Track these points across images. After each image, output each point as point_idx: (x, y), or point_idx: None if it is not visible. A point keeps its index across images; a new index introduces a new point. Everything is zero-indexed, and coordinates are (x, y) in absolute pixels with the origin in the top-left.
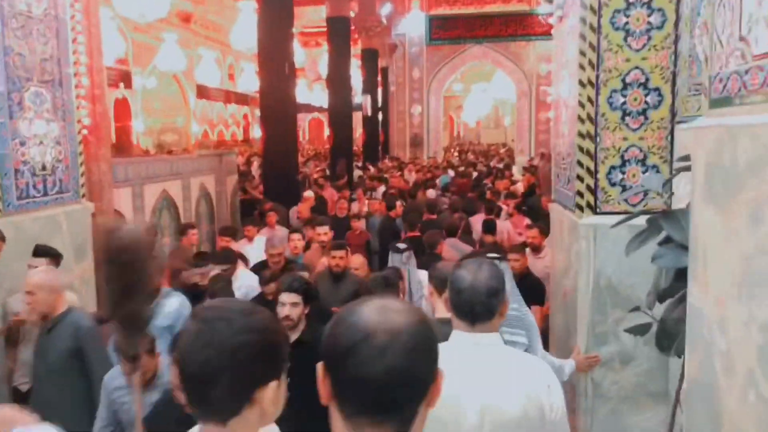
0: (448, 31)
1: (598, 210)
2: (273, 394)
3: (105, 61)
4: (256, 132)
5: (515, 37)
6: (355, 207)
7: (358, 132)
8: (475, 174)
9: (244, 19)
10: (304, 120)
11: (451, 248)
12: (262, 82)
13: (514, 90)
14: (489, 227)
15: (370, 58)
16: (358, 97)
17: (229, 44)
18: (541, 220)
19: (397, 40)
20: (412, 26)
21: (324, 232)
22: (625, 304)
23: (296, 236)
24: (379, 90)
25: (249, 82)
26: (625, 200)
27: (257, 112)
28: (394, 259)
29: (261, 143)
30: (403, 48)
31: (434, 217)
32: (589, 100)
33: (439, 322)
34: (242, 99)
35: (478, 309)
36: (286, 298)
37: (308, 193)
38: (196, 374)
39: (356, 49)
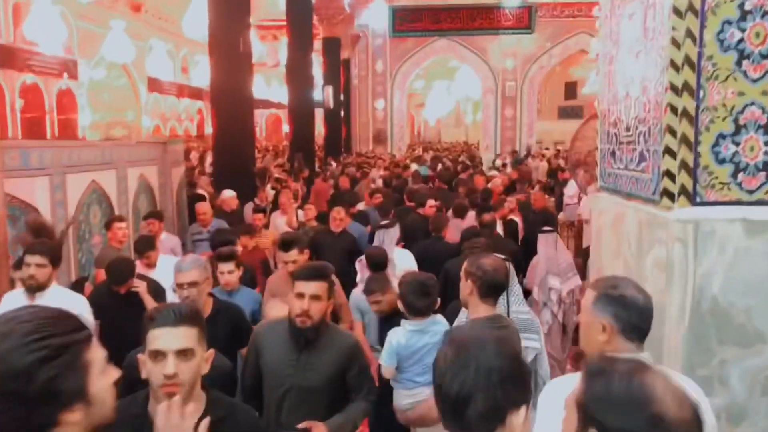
0: (412, 23)
1: (698, 199)
2: (522, 419)
3: (47, 49)
4: (211, 127)
5: (482, 31)
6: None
7: (319, 130)
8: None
9: (196, 5)
10: (261, 117)
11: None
12: (214, 71)
13: (479, 86)
14: (485, 208)
15: (332, 48)
16: (319, 92)
17: (183, 35)
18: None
19: (360, 32)
20: (376, 17)
21: (293, 260)
22: (737, 337)
23: (226, 266)
24: (341, 85)
25: (203, 75)
26: (739, 184)
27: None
28: (379, 237)
29: (212, 136)
30: (366, 39)
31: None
32: (690, 34)
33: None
34: (196, 93)
35: (647, 328)
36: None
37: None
38: (453, 394)
39: (317, 43)
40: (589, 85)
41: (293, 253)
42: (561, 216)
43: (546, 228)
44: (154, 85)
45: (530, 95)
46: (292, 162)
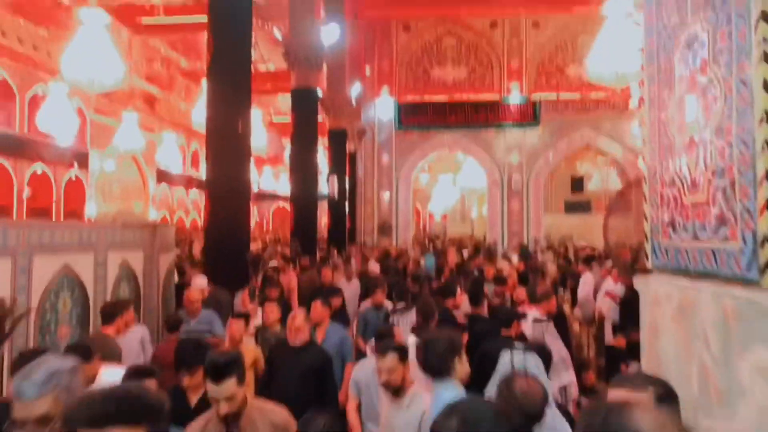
0: (417, 117)
1: None
2: None
3: (59, 140)
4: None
5: (486, 125)
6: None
7: (324, 221)
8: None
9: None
10: (268, 209)
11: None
12: (209, 159)
13: (485, 179)
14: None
15: (337, 139)
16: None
17: (193, 128)
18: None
19: (367, 125)
20: (382, 111)
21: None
22: None
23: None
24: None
25: None
26: None
27: None
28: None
29: (204, 223)
30: (372, 132)
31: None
32: None
33: None
34: (204, 185)
35: None
36: None
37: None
38: None
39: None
40: (595, 181)
41: (229, 385)
42: (576, 312)
43: (537, 317)
44: (162, 176)
45: (536, 189)
46: (291, 249)
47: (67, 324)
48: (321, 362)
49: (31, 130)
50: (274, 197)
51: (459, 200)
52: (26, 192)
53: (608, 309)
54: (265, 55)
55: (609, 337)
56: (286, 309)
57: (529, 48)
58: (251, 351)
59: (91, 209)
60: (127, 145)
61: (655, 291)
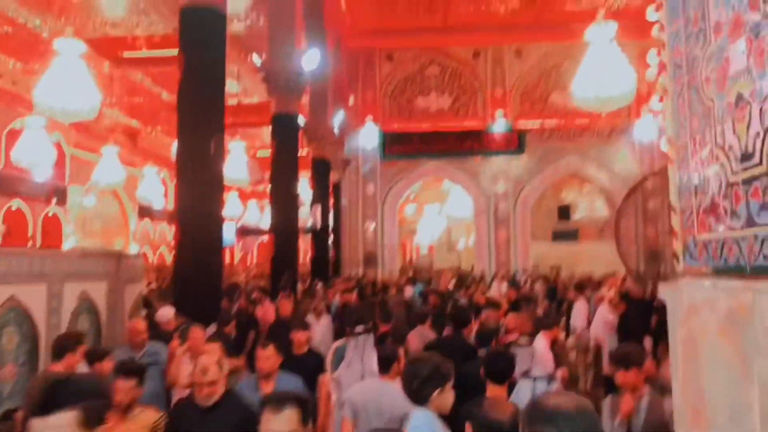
0: (402, 146)
1: None
2: None
3: (36, 175)
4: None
5: (471, 153)
6: None
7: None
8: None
9: None
10: (253, 243)
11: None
12: (179, 187)
13: (471, 208)
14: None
15: (321, 169)
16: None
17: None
18: None
19: (351, 155)
20: (366, 140)
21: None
22: None
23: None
24: (330, 209)
25: None
26: None
27: None
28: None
29: (173, 252)
30: (356, 162)
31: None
32: None
33: None
34: None
35: None
36: None
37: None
38: None
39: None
40: (581, 209)
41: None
42: (570, 341)
43: (521, 342)
44: (144, 211)
45: (523, 217)
46: (274, 282)
47: (13, 362)
48: (239, 423)
49: (7, 165)
50: (258, 231)
51: (446, 231)
52: (1, 228)
53: (604, 337)
54: (250, 88)
55: (607, 367)
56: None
57: (513, 76)
58: (150, 416)
59: (69, 246)
60: (108, 179)
61: (691, 298)
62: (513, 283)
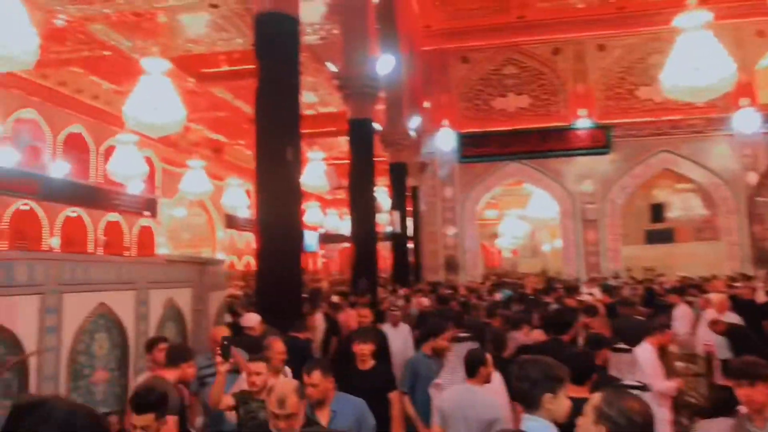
0: (480, 148)
1: None
2: None
3: (131, 189)
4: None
5: (554, 153)
6: None
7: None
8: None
9: None
10: (334, 251)
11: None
12: (258, 198)
13: (556, 210)
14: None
15: (398, 174)
16: (384, 218)
17: None
18: None
19: (428, 159)
20: (443, 143)
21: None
22: None
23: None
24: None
25: None
26: None
27: None
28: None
29: (256, 261)
30: (433, 167)
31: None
32: None
33: None
34: None
35: None
36: None
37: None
38: None
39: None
40: (676, 209)
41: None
42: (672, 348)
43: (619, 347)
44: (230, 221)
45: (613, 218)
46: (354, 286)
47: (104, 368)
48: None
49: (106, 180)
50: (339, 238)
51: (529, 234)
52: (101, 240)
53: (713, 344)
54: (326, 98)
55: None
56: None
57: (596, 72)
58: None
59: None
60: (194, 190)
61: None
62: (605, 287)
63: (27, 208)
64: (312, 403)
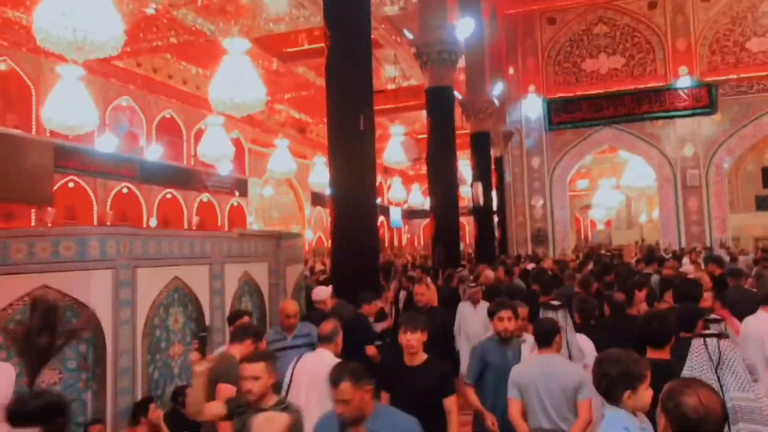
0: (570, 114)
1: None
2: None
3: (221, 170)
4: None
5: (651, 116)
6: None
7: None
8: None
9: None
10: (419, 226)
11: None
12: (333, 170)
13: (653, 177)
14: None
15: (481, 144)
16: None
17: None
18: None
19: (513, 127)
20: (529, 110)
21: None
22: None
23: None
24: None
25: None
26: None
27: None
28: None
29: (330, 233)
30: (519, 135)
31: None
32: None
33: None
34: None
35: None
36: None
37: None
38: None
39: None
40: None
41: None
42: None
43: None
44: (317, 199)
45: (718, 184)
46: (433, 259)
47: (181, 342)
48: None
49: (197, 162)
50: (424, 214)
51: (624, 204)
52: (195, 220)
53: None
54: (408, 72)
55: None
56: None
57: (698, 25)
58: None
59: None
60: (281, 169)
61: None
62: (711, 258)
63: (126, 191)
64: (346, 422)
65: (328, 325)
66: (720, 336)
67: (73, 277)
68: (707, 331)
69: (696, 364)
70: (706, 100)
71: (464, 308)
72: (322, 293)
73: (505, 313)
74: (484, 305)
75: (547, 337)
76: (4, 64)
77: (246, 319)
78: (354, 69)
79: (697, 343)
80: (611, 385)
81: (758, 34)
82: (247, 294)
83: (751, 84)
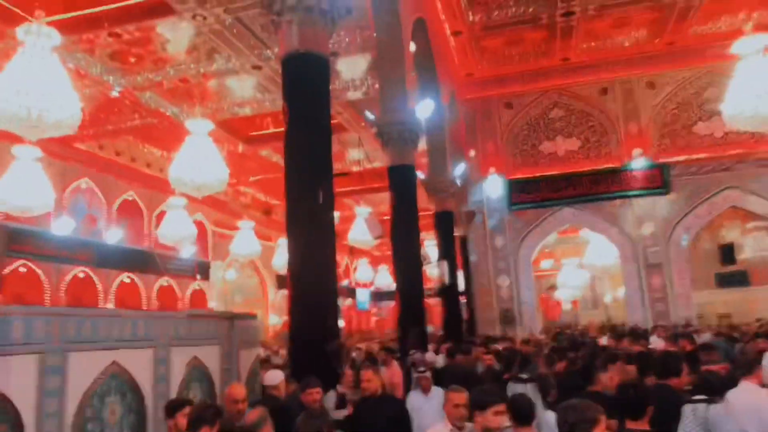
0: (531, 194)
1: None
2: None
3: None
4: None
5: (609, 194)
6: None
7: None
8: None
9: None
10: (386, 309)
11: None
12: (289, 242)
13: (615, 255)
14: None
15: (444, 222)
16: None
17: None
18: None
19: (475, 208)
20: (491, 191)
21: None
22: None
23: None
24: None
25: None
26: None
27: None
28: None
29: (288, 321)
30: (482, 215)
31: None
32: None
33: None
34: None
35: None
36: None
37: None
38: None
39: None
40: (749, 249)
41: None
42: None
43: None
44: (282, 282)
45: (678, 262)
46: (402, 339)
47: None
48: None
49: (157, 245)
50: (391, 295)
51: (589, 284)
52: (154, 305)
53: None
54: (373, 155)
55: None
56: None
57: (647, 110)
58: None
59: None
60: (244, 251)
61: None
62: (681, 335)
63: (83, 275)
64: None
65: (254, 414)
66: (710, 401)
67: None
68: (697, 397)
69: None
70: (659, 181)
71: (414, 398)
72: (275, 377)
73: (501, 407)
74: (436, 392)
75: (526, 415)
76: None
77: (187, 409)
78: (313, 141)
79: (688, 410)
80: (572, 429)
81: (704, 119)
82: (195, 380)
83: (701, 165)
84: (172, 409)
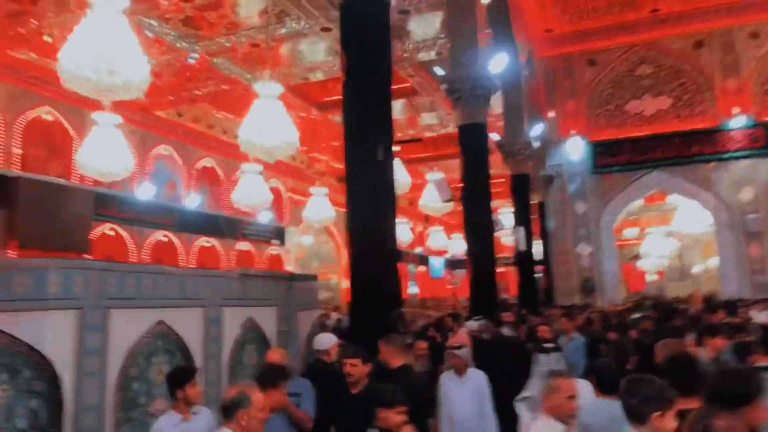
0: (615, 157)
1: None
2: None
3: (261, 218)
4: (413, 288)
5: (702, 156)
6: None
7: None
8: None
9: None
10: (459, 276)
11: None
12: (348, 201)
13: (708, 223)
14: None
15: (520, 186)
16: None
17: None
18: None
19: (554, 171)
20: (572, 153)
21: None
22: None
23: None
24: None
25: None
26: None
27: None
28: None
29: (348, 269)
30: (561, 179)
31: None
32: None
33: None
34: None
35: None
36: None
37: None
38: None
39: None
40: None
41: None
42: None
43: None
44: None
45: None
46: (474, 310)
47: (165, 396)
48: None
49: (235, 210)
50: (464, 262)
51: (676, 253)
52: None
53: None
54: (446, 120)
55: None
56: None
57: (750, 62)
58: None
59: None
60: (317, 217)
61: None
62: None
63: (165, 239)
64: None
65: (233, 391)
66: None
67: (26, 319)
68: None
69: None
70: (762, 140)
71: (446, 381)
72: (326, 341)
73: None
74: (473, 375)
75: (610, 383)
76: (50, 115)
77: (195, 380)
78: (373, 93)
79: None
80: (642, 404)
81: None
82: (250, 342)
83: None
84: (179, 379)
